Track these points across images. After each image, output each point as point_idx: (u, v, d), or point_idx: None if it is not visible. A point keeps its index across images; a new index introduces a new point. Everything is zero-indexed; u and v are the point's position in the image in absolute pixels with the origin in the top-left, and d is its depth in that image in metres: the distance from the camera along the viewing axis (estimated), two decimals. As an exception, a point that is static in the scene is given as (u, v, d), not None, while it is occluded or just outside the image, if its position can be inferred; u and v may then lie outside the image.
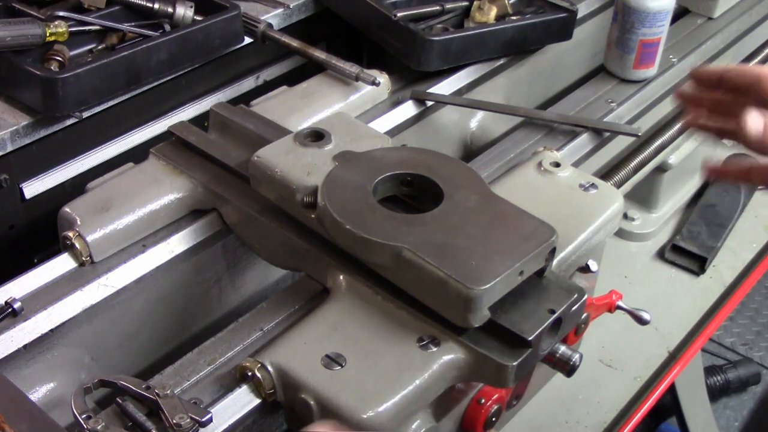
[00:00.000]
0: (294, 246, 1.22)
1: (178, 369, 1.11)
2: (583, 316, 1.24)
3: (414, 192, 1.19)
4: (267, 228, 1.25)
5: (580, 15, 1.81)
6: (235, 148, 1.35)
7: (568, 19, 1.74)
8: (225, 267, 1.38)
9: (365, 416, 0.98)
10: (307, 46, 1.62)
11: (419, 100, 1.62)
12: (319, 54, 1.60)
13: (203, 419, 0.99)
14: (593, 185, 1.32)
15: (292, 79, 1.68)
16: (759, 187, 2.47)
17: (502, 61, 1.74)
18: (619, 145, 1.67)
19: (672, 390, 2.29)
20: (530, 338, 1.04)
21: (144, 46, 1.47)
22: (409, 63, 1.63)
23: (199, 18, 1.58)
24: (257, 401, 1.06)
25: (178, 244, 1.30)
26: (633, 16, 1.67)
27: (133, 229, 1.27)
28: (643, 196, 2.31)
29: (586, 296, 1.12)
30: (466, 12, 1.79)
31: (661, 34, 1.70)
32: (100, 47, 1.56)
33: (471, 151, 1.76)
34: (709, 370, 3.00)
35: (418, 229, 1.09)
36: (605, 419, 1.81)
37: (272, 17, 1.71)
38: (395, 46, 1.64)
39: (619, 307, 1.46)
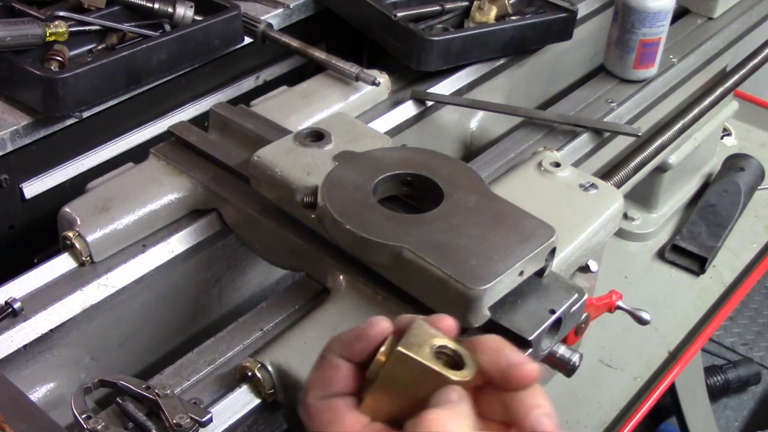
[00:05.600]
0: (294, 246, 1.22)
1: (178, 369, 1.11)
2: (583, 316, 1.24)
3: (414, 192, 1.19)
4: (267, 228, 1.25)
5: (580, 15, 1.81)
6: (235, 148, 1.35)
7: (568, 19, 1.74)
8: (225, 267, 1.38)
9: (365, 416, 0.98)
10: (307, 46, 1.62)
11: (419, 100, 1.62)
12: (319, 54, 1.60)
13: (203, 419, 0.99)
14: (593, 185, 1.32)
15: (292, 79, 1.68)
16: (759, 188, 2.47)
17: (502, 61, 1.74)
18: (619, 145, 1.67)
19: (672, 390, 2.29)
20: (530, 338, 1.04)
21: (144, 46, 1.47)
22: (409, 63, 1.63)
23: (199, 18, 1.58)
24: (257, 401, 1.06)
25: (178, 244, 1.30)
26: (633, 16, 1.67)
27: (133, 229, 1.27)
28: (643, 196, 2.31)
29: (586, 296, 1.12)
30: (466, 12, 1.79)
31: (661, 34, 1.70)
32: (100, 47, 1.56)
33: (471, 151, 1.76)
34: (709, 370, 3.00)
35: (418, 229, 1.09)
36: (605, 419, 1.82)
37: (272, 17, 1.71)
38: (395, 46, 1.64)
39: (619, 307, 1.46)
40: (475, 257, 1.05)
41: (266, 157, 1.21)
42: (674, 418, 2.52)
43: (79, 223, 1.24)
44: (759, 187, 2.48)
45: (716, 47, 1.92)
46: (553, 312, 1.08)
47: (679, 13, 1.98)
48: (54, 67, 1.45)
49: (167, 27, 1.59)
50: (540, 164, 1.35)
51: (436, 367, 0.71)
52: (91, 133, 1.51)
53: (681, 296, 2.16)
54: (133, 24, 1.57)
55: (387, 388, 0.73)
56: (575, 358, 1.16)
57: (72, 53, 1.53)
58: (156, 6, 1.57)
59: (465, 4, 1.79)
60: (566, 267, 1.24)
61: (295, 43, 1.64)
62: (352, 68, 1.56)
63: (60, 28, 1.46)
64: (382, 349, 0.73)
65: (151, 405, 1.00)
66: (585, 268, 1.36)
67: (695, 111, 1.79)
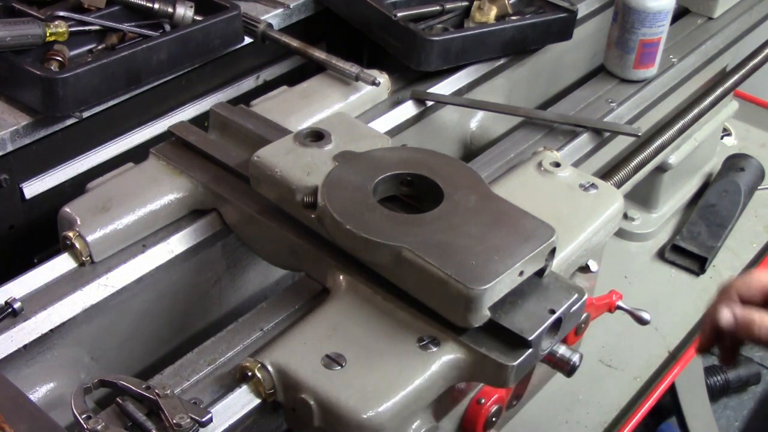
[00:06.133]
0: (294, 246, 1.22)
1: (178, 369, 1.11)
2: (583, 316, 1.24)
3: (414, 192, 1.19)
4: (267, 228, 1.25)
5: (580, 15, 1.81)
6: (235, 148, 1.35)
7: (568, 19, 1.74)
8: (225, 267, 1.38)
9: (365, 416, 0.98)
10: (307, 46, 1.62)
11: (419, 100, 1.62)
12: (319, 54, 1.60)
13: (203, 419, 0.99)
14: (593, 185, 1.32)
15: (292, 79, 1.68)
16: (759, 188, 2.46)
17: (502, 61, 1.74)
18: (619, 145, 1.67)
19: (672, 390, 2.29)
20: (530, 338, 1.04)
21: (144, 46, 1.47)
22: (409, 63, 1.63)
23: (199, 18, 1.58)
24: (257, 401, 1.06)
25: (178, 244, 1.30)
26: (633, 16, 1.67)
27: (133, 229, 1.27)
28: (643, 196, 2.31)
29: (586, 296, 1.12)
30: (466, 12, 1.79)
31: (661, 34, 1.70)
32: (100, 47, 1.56)
33: (471, 151, 1.76)
34: (709, 370, 2.99)
35: (418, 229, 1.09)
36: (605, 419, 1.82)
37: (272, 17, 1.71)
38: (395, 46, 1.64)
39: (619, 307, 1.46)
40: (475, 257, 1.05)
41: (266, 157, 1.21)
42: (674, 418, 2.52)
43: (79, 223, 1.24)
44: (759, 187, 2.48)
45: (716, 47, 1.92)
46: (553, 312, 1.08)
47: (679, 13, 1.98)
48: (54, 67, 1.45)
49: (167, 27, 1.59)
50: (540, 164, 1.35)
51: None
52: (91, 133, 1.51)
53: (681, 296, 2.16)
54: (133, 24, 1.57)
55: None
56: (575, 358, 1.16)
57: (72, 53, 1.53)
58: (156, 6, 1.57)
59: (465, 4, 1.79)
60: (566, 267, 1.24)
61: (295, 43, 1.64)
62: (352, 68, 1.56)
63: (60, 28, 1.46)
64: None
65: (151, 405, 1.00)
66: (585, 268, 1.36)
67: (695, 111, 1.79)
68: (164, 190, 1.31)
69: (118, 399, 1.01)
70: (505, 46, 1.71)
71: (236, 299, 1.42)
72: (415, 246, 1.05)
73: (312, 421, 1.02)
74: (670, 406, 2.47)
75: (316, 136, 1.25)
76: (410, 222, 1.11)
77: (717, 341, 1.15)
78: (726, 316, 1.10)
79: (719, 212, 2.33)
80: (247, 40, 1.65)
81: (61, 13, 1.51)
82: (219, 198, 1.31)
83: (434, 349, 1.05)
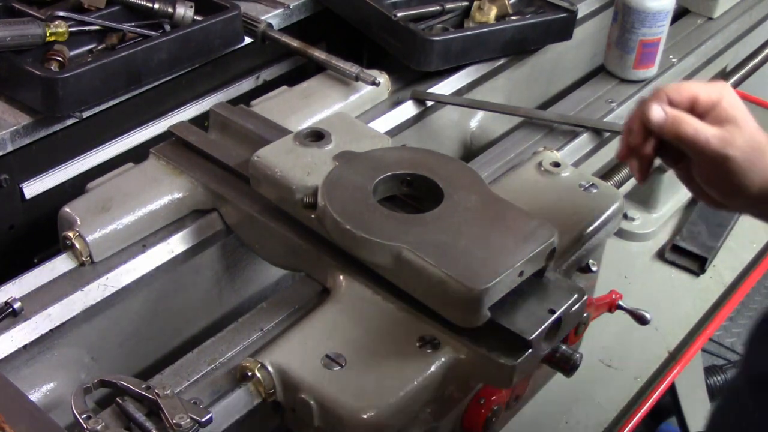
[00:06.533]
0: (294, 246, 1.22)
1: (178, 369, 1.11)
2: (583, 316, 1.24)
3: (414, 192, 1.19)
4: (267, 228, 1.25)
5: (580, 15, 1.81)
6: (235, 148, 1.35)
7: (568, 19, 1.74)
8: (225, 267, 1.38)
9: (365, 416, 0.98)
10: (307, 46, 1.63)
11: (419, 100, 1.62)
12: (319, 54, 1.60)
13: (203, 419, 0.99)
14: (593, 185, 1.32)
15: (292, 79, 1.68)
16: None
17: (502, 61, 1.74)
18: (619, 145, 1.66)
19: (672, 390, 2.28)
20: (530, 338, 1.04)
21: (144, 46, 1.47)
22: (409, 63, 1.63)
23: (199, 18, 1.58)
24: (257, 401, 1.06)
25: (178, 244, 1.30)
26: (633, 16, 1.67)
27: (133, 229, 1.27)
28: (643, 196, 2.30)
29: (586, 296, 1.12)
30: (466, 12, 1.79)
31: (661, 34, 1.70)
32: (100, 47, 1.56)
33: (471, 151, 1.76)
34: (709, 370, 2.99)
35: (418, 229, 1.09)
36: (605, 419, 1.81)
37: (272, 17, 1.71)
38: (395, 46, 1.64)
39: (619, 307, 1.46)
40: (475, 257, 1.05)
41: (266, 157, 1.21)
42: (674, 418, 2.52)
43: (79, 223, 1.24)
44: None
45: (716, 47, 1.92)
46: (553, 312, 1.08)
47: (679, 13, 1.98)
48: (54, 67, 1.45)
49: (167, 27, 1.59)
50: (540, 164, 1.35)
51: None
52: (91, 133, 1.51)
53: (681, 296, 2.15)
54: (133, 24, 1.57)
55: None
56: (575, 358, 1.16)
57: (72, 53, 1.53)
58: (156, 6, 1.57)
59: (465, 4, 1.79)
60: (566, 267, 1.24)
61: (295, 43, 1.64)
62: (352, 68, 1.56)
63: (60, 28, 1.46)
64: None
65: (151, 405, 1.00)
66: (585, 268, 1.36)
67: (695, 111, 1.78)
68: (164, 190, 1.31)
69: (118, 399, 1.01)
70: (505, 46, 1.71)
71: (236, 299, 1.42)
72: (415, 246, 1.05)
73: (312, 421, 1.02)
74: (670, 406, 2.47)
75: (316, 136, 1.25)
76: (410, 222, 1.11)
77: (640, 142, 1.14)
78: (658, 111, 1.10)
79: (719, 212, 2.33)
80: (247, 40, 1.65)
81: (61, 13, 1.51)
82: (219, 198, 1.31)
83: (434, 350, 1.05)
